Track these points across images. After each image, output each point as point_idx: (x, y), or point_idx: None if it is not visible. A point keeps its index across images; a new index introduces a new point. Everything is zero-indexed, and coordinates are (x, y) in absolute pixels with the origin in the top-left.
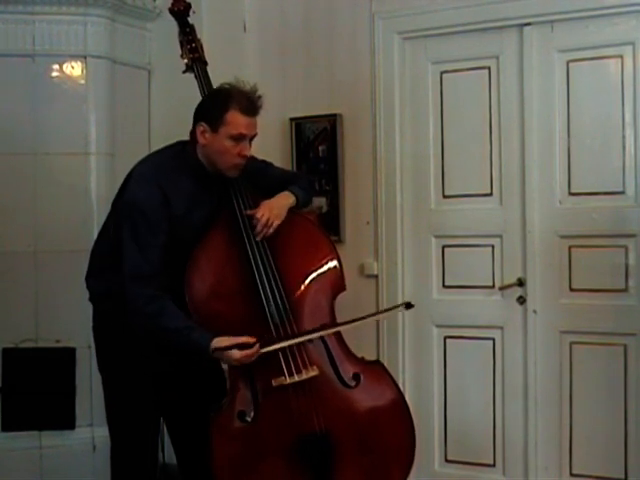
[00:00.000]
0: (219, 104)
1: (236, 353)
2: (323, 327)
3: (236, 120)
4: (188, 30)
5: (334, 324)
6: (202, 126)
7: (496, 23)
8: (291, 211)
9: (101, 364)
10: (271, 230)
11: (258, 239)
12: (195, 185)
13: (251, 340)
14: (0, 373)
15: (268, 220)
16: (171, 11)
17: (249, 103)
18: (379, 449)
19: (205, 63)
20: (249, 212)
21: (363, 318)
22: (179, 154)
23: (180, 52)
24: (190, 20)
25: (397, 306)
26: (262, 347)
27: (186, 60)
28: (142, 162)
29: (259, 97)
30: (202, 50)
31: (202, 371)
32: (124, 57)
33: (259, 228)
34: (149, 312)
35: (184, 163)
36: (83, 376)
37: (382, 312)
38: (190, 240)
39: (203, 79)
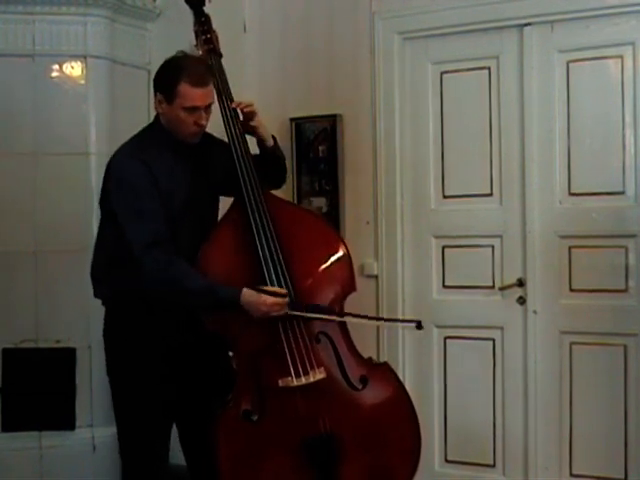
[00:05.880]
0: (170, 76)
1: (269, 298)
2: (340, 314)
3: (188, 93)
4: (203, 20)
5: (356, 315)
6: (158, 96)
7: (496, 23)
8: (292, 204)
9: (110, 367)
10: (252, 115)
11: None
12: (173, 157)
13: (284, 291)
14: (0, 373)
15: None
16: (187, 0)
17: (199, 75)
18: (385, 452)
19: (220, 55)
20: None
21: (379, 319)
22: (151, 127)
23: (195, 43)
24: (206, 10)
25: (409, 321)
26: (290, 309)
27: (200, 52)
28: (119, 148)
29: (210, 67)
30: (217, 42)
31: (213, 371)
32: (124, 57)
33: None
34: (168, 278)
35: (157, 135)
36: (83, 376)
37: (394, 320)
38: (172, 219)
39: (217, 71)
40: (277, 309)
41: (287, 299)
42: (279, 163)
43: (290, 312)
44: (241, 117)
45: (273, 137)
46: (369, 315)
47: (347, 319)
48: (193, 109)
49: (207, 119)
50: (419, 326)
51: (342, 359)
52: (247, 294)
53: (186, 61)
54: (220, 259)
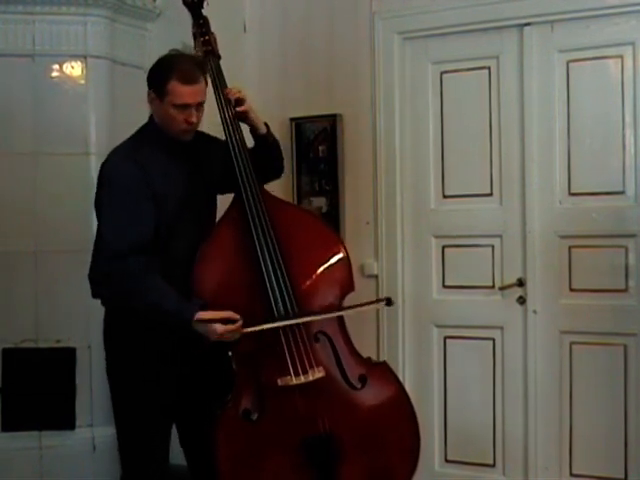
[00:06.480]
0: (161, 74)
1: (219, 327)
2: (310, 313)
3: (177, 90)
4: (202, 22)
5: (323, 311)
6: (151, 93)
7: (496, 23)
8: (290, 204)
9: (110, 367)
10: (241, 102)
11: (229, 96)
12: (167, 156)
13: (235, 316)
14: (0, 373)
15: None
16: (185, 2)
17: (189, 73)
18: (384, 451)
19: (218, 57)
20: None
21: (348, 308)
22: (145, 127)
23: (193, 44)
24: (206, 10)
25: (378, 300)
26: (245, 327)
27: (199, 53)
28: (113, 150)
29: (201, 65)
30: (215, 43)
31: (212, 372)
32: (124, 57)
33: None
34: (130, 290)
35: (150, 135)
36: (83, 376)
37: (363, 305)
38: (168, 218)
39: (216, 73)
40: (229, 336)
41: (239, 323)
42: (274, 150)
43: (244, 331)
44: (232, 103)
45: (266, 124)
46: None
47: (309, 319)
48: (183, 107)
49: (198, 117)
50: (389, 302)
51: (341, 358)
52: (196, 324)
53: (177, 59)
54: (219, 260)
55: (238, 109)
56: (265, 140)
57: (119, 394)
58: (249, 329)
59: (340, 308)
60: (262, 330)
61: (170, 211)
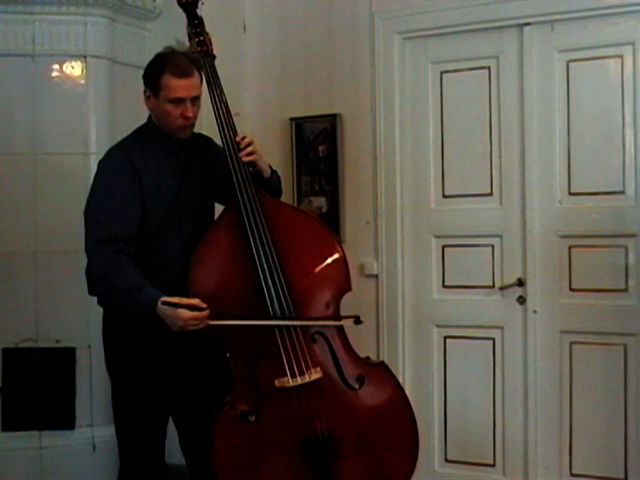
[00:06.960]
0: (155, 69)
1: (185, 312)
2: (290, 318)
3: (171, 84)
4: (196, 22)
5: (299, 318)
6: (147, 91)
7: (496, 23)
8: (286, 204)
9: (110, 366)
10: (251, 157)
11: (241, 154)
12: (163, 154)
13: (202, 304)
14: (0, 373)
15: (251, 145)
16: (179, 2)
17: (182, 66)
18: (382, 451)
19: (213, 57)
20: (238, 138)
21: (317, 319)
22: (143, 127)
23: (187, 45)
24: (205, 11)
25: (347, 317)
26: (212, 319)
27: (194, 55)
28: (110, 148)
29: (195, 60)
30: (210, 44)
31: (213, 371)
32: (124, 57)
33: (242, 144)
34: (103, 274)
35: (147, 133)
36: (83, 376)
37: (333, 319)
38: (159, 216)
39: (211, 73)
40: (194, 323)
41: (207, 312)
42: (276, 188)
43: (210, 322)
44: (241, 146)
45: (270, 167)
46: (304, 317)
47: (274, 323)
48: (178, 101)
49: (194, 112)
50: (357, 321)
51: (338, 359)
52: (163, 307)
53: (170, 55)
54: (215, 261)
55: (247, 159)
56: (268, 183)
57: (120, 389)
58: (215, 322)
59: (312, 318)
60: (230, 326)
61: (161, 210)
